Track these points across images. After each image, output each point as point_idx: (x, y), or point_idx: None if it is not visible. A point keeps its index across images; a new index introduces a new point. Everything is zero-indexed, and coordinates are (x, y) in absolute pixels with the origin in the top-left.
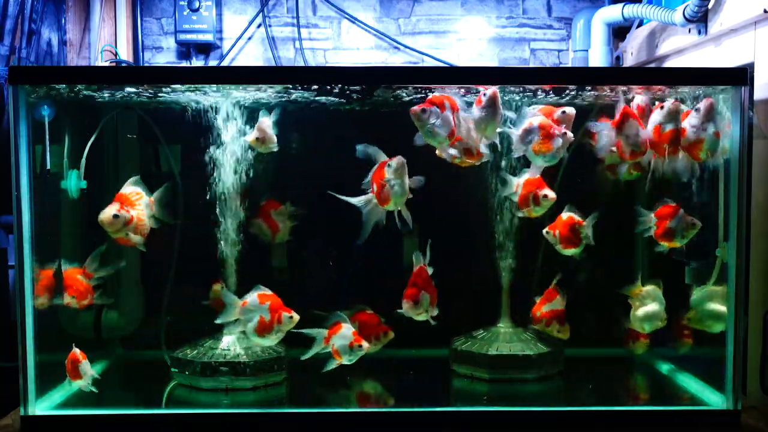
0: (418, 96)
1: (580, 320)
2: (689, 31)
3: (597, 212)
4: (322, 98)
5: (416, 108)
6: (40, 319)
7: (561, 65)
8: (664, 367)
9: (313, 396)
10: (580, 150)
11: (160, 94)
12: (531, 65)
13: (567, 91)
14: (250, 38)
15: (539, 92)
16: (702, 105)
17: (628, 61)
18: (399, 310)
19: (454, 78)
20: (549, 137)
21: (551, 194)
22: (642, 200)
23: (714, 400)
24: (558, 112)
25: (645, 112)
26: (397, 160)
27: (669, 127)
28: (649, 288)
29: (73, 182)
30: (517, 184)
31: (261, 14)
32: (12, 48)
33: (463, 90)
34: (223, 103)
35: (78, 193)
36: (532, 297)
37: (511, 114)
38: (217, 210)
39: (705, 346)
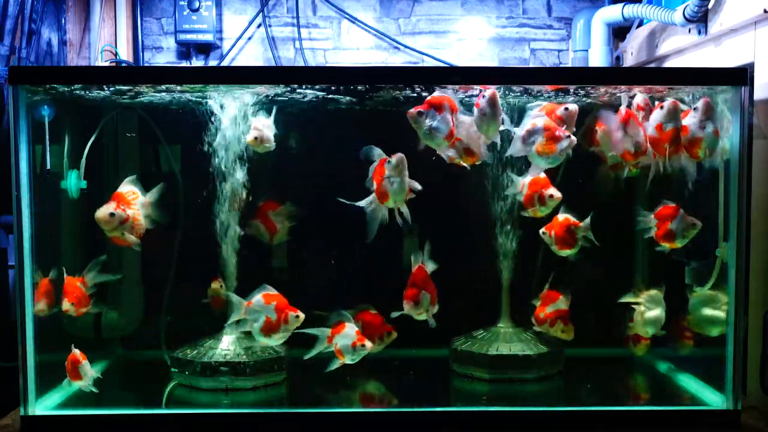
0: (417, 96)
1: (580, 320)
2: (689, 31)
3: (593, 214)
4: (320, 95)
5: (413, 110)
6: (40, 319)
7: (561, 65)
8: (664, 367)
9: (313, 396)
10: (580, 150)
11: (163, 94)
12: (531, 65)
13: (570, 92)
14: (250, 38)
15: (536, 92)
16: (699, 104)
17: (628, 61)
18: (394, 314)
19: (454, 78)
20: (553, 139)
21: (557, 194)
22: (642, 200)
23: (714, 400)
24: (561, 109)
25: (646, 111)
26: (396, 157)
27: (669, 126)
28: (652, 292)
29: (73, 182)
30: (523, 183)
31: (261, 14)
32: (12, 48)
33: (461, 90)
34: (225, 102)
35: (78, 193)
36: (531, 297)
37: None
38: (217, 210)
39: (705, 346)
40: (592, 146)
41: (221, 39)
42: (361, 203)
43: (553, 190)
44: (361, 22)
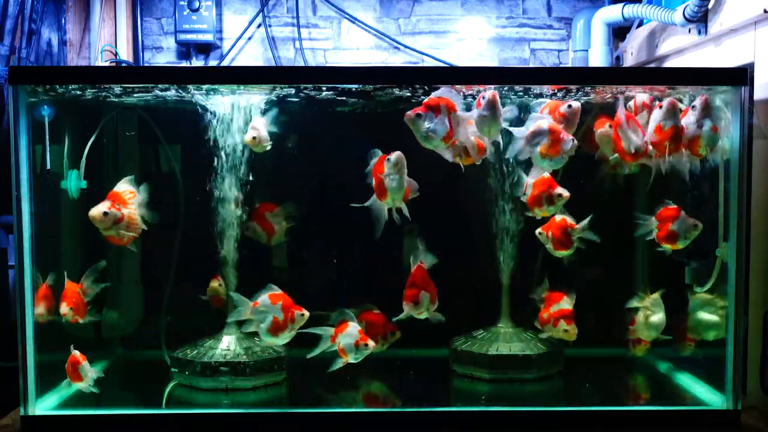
0: (418, 95)
1: (580, 320)
2: (689, 31)
3: (591, 217)
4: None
5: (410, 113)
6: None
7: (561, 65)
8: (664, 367)
9: (313, 396)
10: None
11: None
12: (531, 65)
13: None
14: (250, 38)
15: (537, 93)
16: (698, 101)
17: (628, 61)
18: (394, 319)
19: (454, 78)
20: (557, 141)
21: (565, 192)
22: (642, 199)
23: (714, 400)
24: (564, 106)
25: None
26: (395, 155)
27: (669, 125)
28: (655, 296)
29: (73, 182)
30: (526, 184)
31: (261, 14)
32: (12, 48)
33: (460, 89)
34: (227, 102)
35: (78, 193)
36: (531, 295)
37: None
38: (217, 210)
39: (705, 346)
40: (593, 149)
41: (221, 39)
42: (368, 203)
43: (561, 189)
44: (361, 22)
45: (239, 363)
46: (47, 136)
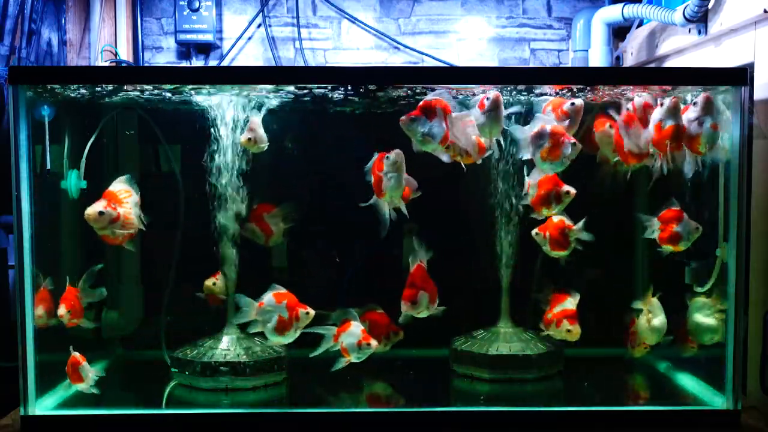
0: (417, 96)
1: (580, 320)
2: (689, 31)
3: (586, 219)
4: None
5: (405, 117)
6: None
7: (561, 65)
8: (664, 367)
9: (313, 396)
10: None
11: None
12: (531, 65)
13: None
14: (250, 38)
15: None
16: (699, 99)
17: (628, 61)
18: (400, 320)
19: (454, 78)
20: (559, 145)
21: (573, 190)
22: (642, 199)
23: (714, 400)
24: (567, 103)
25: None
26: (395, 153)
27: (669, 123)
28: (654, 300)
29: (73, 182)
30: (529, 183)
31: (261, 14)
32: (12, 48)
33: (454, 89)
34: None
35: (78, 193)
36: (531, 296)
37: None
38: (217, 210)
39: (705, 347)
40: (593, 149)
41: (221, 39)
42: (371, 202)
43: (567, 187)
44: (361, 22)
45: (239, 363)
46: (47, 136)
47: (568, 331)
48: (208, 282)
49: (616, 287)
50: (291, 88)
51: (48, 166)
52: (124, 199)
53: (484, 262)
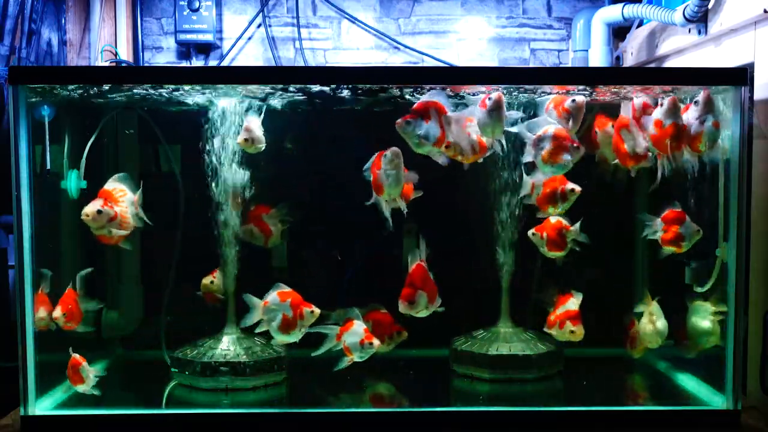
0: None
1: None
2: (689, 31)
3: (582, 220)
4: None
5: (401, 120)
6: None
7: (561, 65)
8: (664, 367)
9: (313, 396)
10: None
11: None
12: (531, 65)
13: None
14: (250, 38)
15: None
16: (700, 97)
17: (628, 61)
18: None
19: (454, 78)
20: (561, 149)
21: (577, 187)
22: (642, 198)
23: (714, 400)
24: (568, 101)
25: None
26: (391, 151)
27: (668, 122)
28: (654, 304)
29: (73, 182)
30: (533, 183)
31: (261, 14)
32: (12, 48)
33: (450, 90)
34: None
35: (78, 193)
36: (532, 296)
37: (515, 113)
38: (217, 210)
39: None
40: (593, 149)
41: (221, 39)
42: (373, 200)
43: (572, 184)
44: (361, 22)
45: (239, 363)
46: (47, 136)
47: (572, 332)
48: (206, 280)
49: (616, 287)
50: (291, 87)
51: (48, 166)
52: (120, 197)
53: (484, 262)
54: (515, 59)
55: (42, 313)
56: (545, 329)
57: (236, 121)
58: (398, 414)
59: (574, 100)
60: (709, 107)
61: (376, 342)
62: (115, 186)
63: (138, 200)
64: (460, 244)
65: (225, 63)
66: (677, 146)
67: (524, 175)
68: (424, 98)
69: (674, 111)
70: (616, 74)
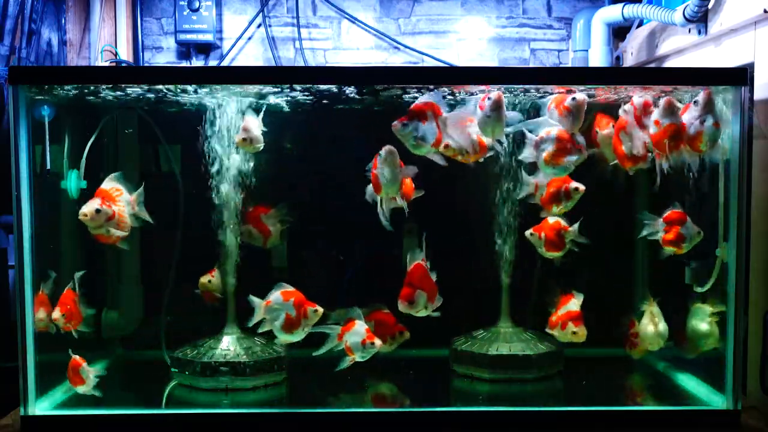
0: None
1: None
2: (689, 31)
3: (582, 219)
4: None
5: (396, 123)
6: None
7: (561, 65)
8: (664, 367)
9: (312, 396)
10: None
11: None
12: (531, 65)
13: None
14: (250, 38)
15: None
16: (700, 97)
17: (628, 61)
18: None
19: (454, 78)
20: (564, 151)
21: (581, 186)
22: (642, 198)
23: (714, 400)
24: (568, 99)
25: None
26: (385, 149)
27: (666, 122)
28: (655, 307)
29: (73, 182)
30: (537, 184)
31: (261, 14)
32: (12, 48)
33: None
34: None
35: (78, 193)
36: (532, 297)
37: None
38: (217, 210)
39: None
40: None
41: (221, 39)
42: (376, 199)
43: (576, 183)
44: (361, 22)
45: (239, 363)
46: (47, 136)
47: (574, 333)
48: (203, 279)
49: (616, 287)
50: (298, 88)
51: (48, 166)
52: (117, 197)
53: (484, 262)
54: (515, 59)
55: (41, 314)
56: (547, 330)
57: (236, 122)
58: (398, 414)
59: (574, 98)
60: (708, 107)
61: (377, 342)
62: (112, 185)
63: (135, 199)
64: (461, 244)
65: (225, 63)
66: (675, 146)
67: (526, 175)
68: (420, 100)
69: (670, 111)
70: (616, 74)
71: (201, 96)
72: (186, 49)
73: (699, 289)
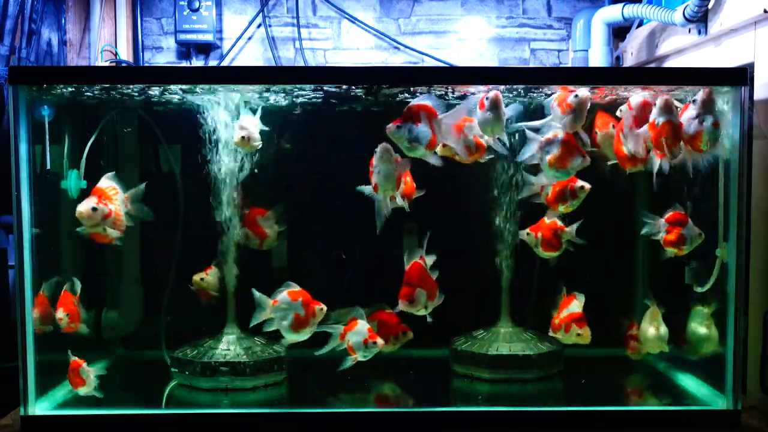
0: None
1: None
2: (689, 31)
3: (581, 221)
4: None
5: (391, 125)
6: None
7: (561, 65)
8: (664, 367)
9: (313, 396)
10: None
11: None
12: (531, 65)
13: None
14: (250, 38)
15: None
16: (699, 96)
17: (628, 61)
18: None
19: (454, 78)
20: (568, 155)
21: (587, 185)
22: (642, 198)
23: (714, 400)
24: (570, 96)
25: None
26: (380, 147)
27: (662, 120)
28: (654, 309)
29: (73, 182)
30: (542, 187)
31: (261, 14)
32: (12, 48)
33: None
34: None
35: (78, 193)
36: (533, 297)
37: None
38: (217, 210)
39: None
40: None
41: (221, 39)
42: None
43: (582, 182)
44: (361, 22)
45: (239, 363)
46: (47, 136)
47: (579, 335)
48: (197, 277)
49: (616, 287)
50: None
51: (48, 166)
52: (113, 195)
53: (484, 262)
54: (515, 59)
55: (35, 314)
56: (550, 333)
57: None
58: (398, 414)
59: (576, 95)
60: (708, 106)
61: (380, 341)
62: (108, 184)
63: (129, 198)
64: (461, 244)
65: (225, 63)
66: (673, 144)
67: (530, 175)
68: (414, 102)
69: (667, 109)
70: (616, 74)
71: (200, 95)
72: (186, 49)
73: (699, 289)
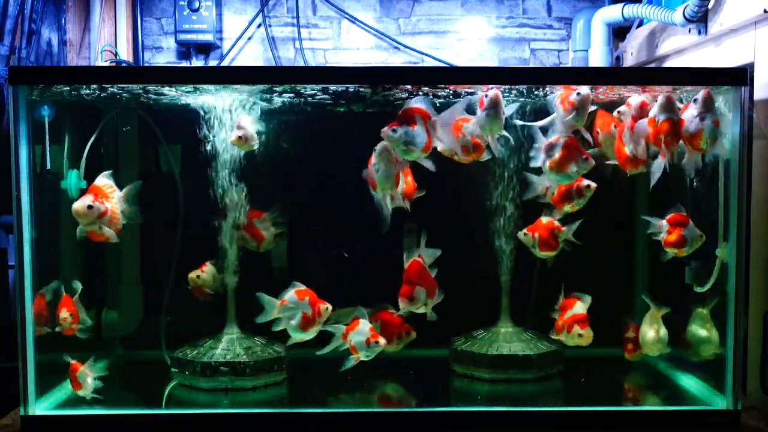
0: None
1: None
2: (689, 31)
3: (581, 221)
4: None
5: (386, 129)
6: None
7: (561, 65)
8: (664, 367)
9: (313, 396)
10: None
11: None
12: (531, 65)
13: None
14: (250, 38)
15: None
16: (699, 95)
17: (628, 61)
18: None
19: (454, 78)
20: (570, 158)
21: (593, 184)
22: (642, 198)
23: (714, 400)
24: (573, 94)
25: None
26: (378, 146)
27: (662, 118)
28: (654, 312)
29: (73, 182)
30: (546, 189)
31: (261, 14)
32: (12, 48)
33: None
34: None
35: (78, 193)
36: (533, 298)
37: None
38: (216, 210)
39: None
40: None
41: (221, 39)
42: (376, 198)
43: (587, 181)
44: (361, 22)
45: (239, 363)
46: (47, 136)
47: (581, 335)
48: (192, 274)
49: (616, 287)
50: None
51: (48, 166)
52: (109, 194)
53: (484, 262)
54: (515, 59)
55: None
56: (552, 336)
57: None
58: (398, 414)
59: (579, 93)
60: (708, 105)
61: (382, 341)
62: (105, 182)
63: (124, 196)
64: (461, 244)
65: (225, 63)
66: (673, 141)
67: (533, 175)
68: (408, 104)
69: (668, 107)
70: (616, 74)
71: (200, 95)
72: (186, 49)
73: (699, 289)
